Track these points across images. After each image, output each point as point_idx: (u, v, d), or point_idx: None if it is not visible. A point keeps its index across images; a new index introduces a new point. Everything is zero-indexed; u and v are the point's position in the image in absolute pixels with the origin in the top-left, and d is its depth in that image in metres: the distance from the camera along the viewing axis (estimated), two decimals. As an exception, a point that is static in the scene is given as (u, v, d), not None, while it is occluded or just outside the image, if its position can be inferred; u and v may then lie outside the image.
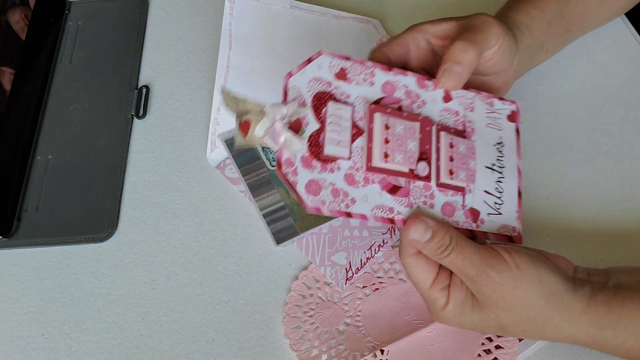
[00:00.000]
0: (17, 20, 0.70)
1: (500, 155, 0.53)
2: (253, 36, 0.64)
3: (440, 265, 0.48)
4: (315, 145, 0.47)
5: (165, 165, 0.62)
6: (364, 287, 0.55)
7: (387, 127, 0.48)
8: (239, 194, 0.60)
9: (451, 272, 0.48)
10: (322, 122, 0.47)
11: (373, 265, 0.56)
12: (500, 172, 0.52)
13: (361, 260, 0.56)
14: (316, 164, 0.46)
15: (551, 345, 0.52)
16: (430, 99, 0.51)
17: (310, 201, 0.45)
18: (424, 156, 0.49)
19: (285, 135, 0.45)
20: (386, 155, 0.47)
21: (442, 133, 0.50)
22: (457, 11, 0.70)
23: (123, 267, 0.57)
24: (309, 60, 0.48)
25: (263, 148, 0.60)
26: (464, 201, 0.50)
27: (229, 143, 0.60)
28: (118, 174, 0.62)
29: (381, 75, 0.50)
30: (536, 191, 0.59)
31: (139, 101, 0.66)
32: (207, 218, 0.59)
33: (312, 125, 0.47)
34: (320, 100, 0.47)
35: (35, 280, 0.57)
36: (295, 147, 0.45)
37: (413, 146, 0.48)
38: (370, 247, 0.56)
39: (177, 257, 0.57)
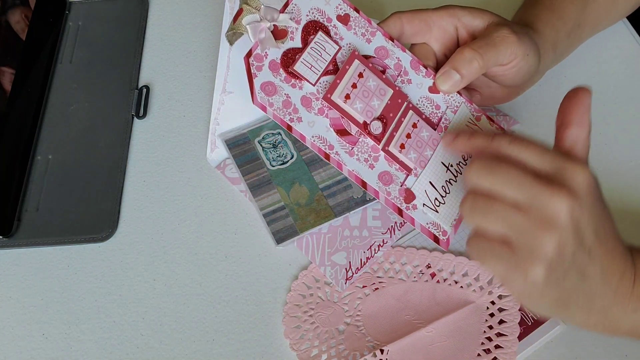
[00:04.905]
0: (18, 21, 0.70)
1: (464, 162, 0.51)
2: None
3: None
4: (290, 58, 0.48)
5: (165, 165, 0.62)
6: (363, 286, 0.55)
7: (360, 76, 0.49)
8: (239, 194, 0.60)
9: None
10: (305, 45, 0.49)
11: (373, 265, 0.56)
12: (455, 177, 0.50)
13: (361, 260, 0.56)
14: (282, 72, 0.48)
15: (551, 346, 0.52)
16: (417, 82, 0.51)
17: (260, 97, 0.47)
18: (383, 120, 0.49)
19: (266, 33, 0.47)
20: (347, 97, 0.48)
21: (411, 111, 0.50)
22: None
23: (123, 267, 0.57)
24: None
25: (263, 148, 0.60)
26: (405, 180, 0.49)
27: (229, 143, 0.60)
28: (118, 174, 0.62)
29: (380, 39, 0.51)
30: (536, 191, 0.59)
31: (139, 101, 0.66)
32: (207, 218, 0.59)
33: (295, 43, 0.49)
34: (314, 28, 0.49)
35: (35, 280, 0.57)
36: (270, 46, 0.47)
37: (376, 105, 0.49)
38: (370, 246, 0.56)
39: (177, 257, 0.58)
